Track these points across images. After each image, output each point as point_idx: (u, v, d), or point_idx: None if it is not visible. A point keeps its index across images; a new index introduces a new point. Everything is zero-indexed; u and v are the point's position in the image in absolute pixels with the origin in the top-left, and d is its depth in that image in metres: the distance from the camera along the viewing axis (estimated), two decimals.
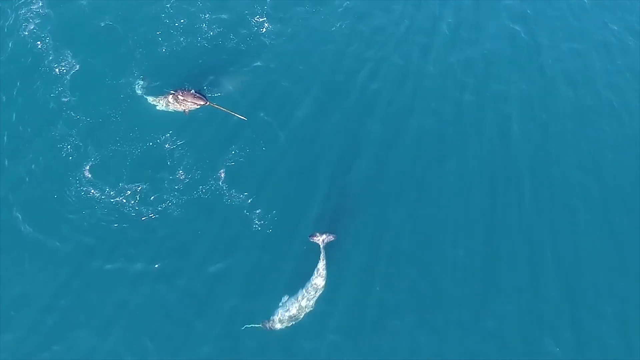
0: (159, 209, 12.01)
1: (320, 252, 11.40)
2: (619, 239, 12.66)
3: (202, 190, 12.30)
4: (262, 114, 13.64)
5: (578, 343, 11.38)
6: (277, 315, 11.05)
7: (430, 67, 15.07)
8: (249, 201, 12.30)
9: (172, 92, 12.83)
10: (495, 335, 11.35)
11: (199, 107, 12.80)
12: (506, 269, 12.11)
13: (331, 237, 11.58)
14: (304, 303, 11.09)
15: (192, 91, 12.76)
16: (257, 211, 12.23)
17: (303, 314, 11.10)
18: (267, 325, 11.00)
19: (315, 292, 11.19)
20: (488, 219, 12.73)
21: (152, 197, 12.10)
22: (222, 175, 12.55)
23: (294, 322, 11.07)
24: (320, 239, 11.53)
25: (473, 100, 14.53)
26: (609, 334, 11.49)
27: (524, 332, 11.42)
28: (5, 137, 12.61)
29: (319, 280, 11.23)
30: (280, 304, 11.19)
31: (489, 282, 11.94)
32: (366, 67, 14.81)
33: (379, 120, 13.96)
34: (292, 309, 11.06)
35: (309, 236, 11.68)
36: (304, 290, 11.20)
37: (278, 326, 11.02)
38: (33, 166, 12.30)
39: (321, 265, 11.30)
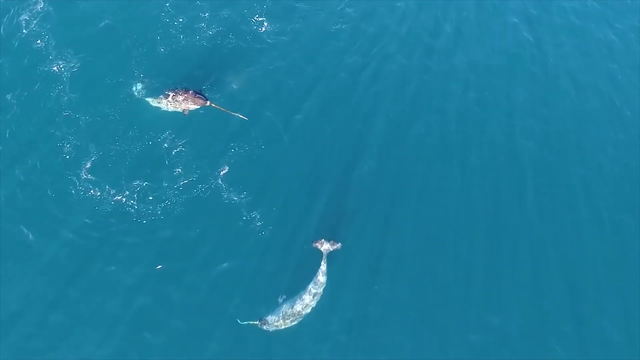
0: (159, 208, 11.93)
1: (322, 256, 11.35)
2: (620, 236, 12.65)
3: (201, 189, 12.24)
4: (262, 114, 13.58)
5: (580, 339, 11.36)
6: (274, 315, 10.96)
7: (433, 66, 15.04)
8: (250, 201, 12.22)
9: (171, 92, 12.78)
10: (498, 332, 11.30)
11: (198, 107, 12.74)
12: (509, 266, 12.08)
13: (336, 246, 11.50)
14: (302, 305, 11.02)
15: (191, 91, 12.72)
16: (258, 211, 12.16)
17: (301, 315, 11.01)
18: (264, 325, 10.90)
19: (314, 294, 11.12)
20: (491, 217, 12.72)
21: (151, 197, 12.03)
22: (222, 174, 12.49)
23: (292, 323, 10.98)
24: (324, 247, 11.45)
25: (476, 100, 14.50)
26: (612, 330, 11.46)
27: (526, 328, 11.38)
28: (3, 137, 12.52)
29: (319, 282, 11.17)
30: (278, 304, 11.11)
31: (492, 280, 11.90)
32: (367, 67, 14.78)
33: (382, 120, 13.93)
34: (289, 310, 10.98)
35: (312, 242, 11.60)
36: (303, 292, 11.13)
37: (275, 326, 10.92)
38: (32, 166, 12.22)
39: (322, 269, 11.24)
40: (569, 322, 11.49)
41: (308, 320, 11.06)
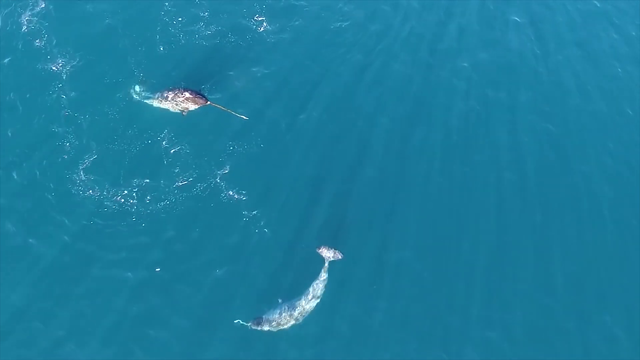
0: (158, 208, 11.83)
1: (324, 263, 11.29)
2: (622, 233, 12.64)
3: (200, 189, 12.15)
4: (263, 113, 13.50)
5: (584, 335, 11.31)
6: (274, 315, 10.85)
7: (436, 65, 14.99)
8: (251, 201, 12.12)
9: (170, 92, 12.71)
10: (501, 329, 11.26)
11: (198, 107, 12.66)
12: (512, 264, 12.04)
13: (338, 256, 11.40)
14: (303, 305, 10.93)
15: (191, 91, 12.64)
16: (258, 210, 12.07)
17: (303, 315, 10.91)
18: (260, 325, 10.78)
19: (316, 295, 11.04)
20: (493, 216, 12.65)
21: (150, 197, 11.93)
22: (222, 174, 12.39)
23: (294, 322, 10.87)
24: (327, 255, 11.37)
25: (479, 98, 14.46)
26: (615, 326, 11.44)
27: (529, 325, 11.35)
28: (3, 137, 12.42)
29: (320, 282, 11.11)
30: (279, 304, 11.00)
31: (495, 277, 11.85)
32: (370, 66, 14.70)
33: (386, 119, 13.84)
34: (290, 310, 10.88)
35: (317, 248, 11.51)
36: (304, 292, 11.04)
37: (276, 325, 10.82)
38: (32, 166, 12.14)
39: (324, 271, 11.17)
40: (572, 319, 11.45)
41: (311, 320, 10.97)
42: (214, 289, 11.21)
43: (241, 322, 10.76)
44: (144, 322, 10.78)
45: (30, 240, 11.34)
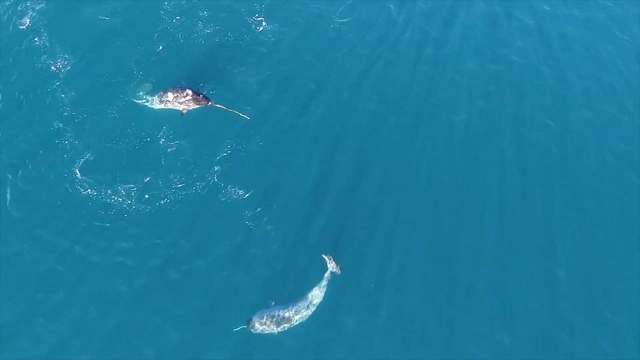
0: (157, 206, 11.75)
1: (325, 271, 11.17)
2: (625, 230, 12.63)
3: (199, 187, 12.09)
4: (263, 113, 13.46)
5: (587, 331, 11.24)
6: (271, 316, 10.69)
7: (440, 66, 15.00)
8: (251, 201, 12.06)
9: (171, 92, 12.67)
10: (506, 325, 11.19)
11: (199, 107, 12.60)
12: (515, 262, 11.99)
13: (338, 271, 11.25)
14: (300, 309, 10.78)
15: (192, 91, 12.61)
16: (258, 210, 11.99)
17: (290, 323, 10.74)
18: (258, 326, 10.64)
19: (308, 307, 10.87)
20: (497, 215, 12.60)
21: (148, 195, 11.86)
22: (221, 173, 12.32)
23: (279, 328, 10.71)
24: (331, 264, 11.24)
25: (482, 96, 14.47)
26: (619, 323, 11.39)
27: (533, 321, 11.28)
28: (2, 137, 12.41)
29: (316, 295, 10.95)
30: (278, 306, 10.85)
31: (499, 275, 11.80)
32: (372, 67, 14.72)
33: (389, 119, 13.82)
34: (287, 312, 10.72)
35: (323, 253, 11.37)
36: (303, 297, 10.90)
37: (270, 327, 10.68)
38: (29, 167, 12.09)
39: (326, 276, 11.06)
40: (575, 316, 11.37)
41: (315, 319, 10.84)
42: (216, 288, 11.11)
43: (242, 327, 10.63)
44: (146, 322, 10.67)
45: (32, 241, 11.24)
